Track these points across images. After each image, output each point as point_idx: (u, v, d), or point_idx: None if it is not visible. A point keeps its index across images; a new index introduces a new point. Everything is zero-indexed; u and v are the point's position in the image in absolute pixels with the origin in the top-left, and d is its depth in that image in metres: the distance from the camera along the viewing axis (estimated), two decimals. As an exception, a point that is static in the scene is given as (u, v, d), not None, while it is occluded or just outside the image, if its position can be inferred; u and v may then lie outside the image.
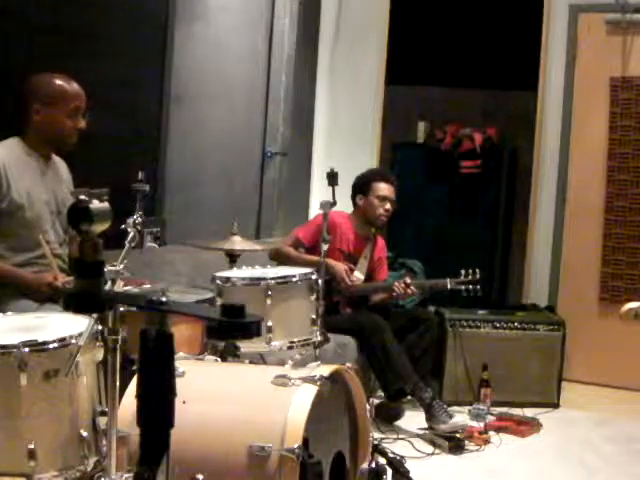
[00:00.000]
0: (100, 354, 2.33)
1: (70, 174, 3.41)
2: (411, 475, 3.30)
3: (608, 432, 4.42)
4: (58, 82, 3.18)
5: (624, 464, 3.98)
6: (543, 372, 4.81)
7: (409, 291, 4.39)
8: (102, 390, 2.36)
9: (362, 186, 4.60)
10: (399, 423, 4.33)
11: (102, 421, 2.29)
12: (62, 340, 2.22)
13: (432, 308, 5.02)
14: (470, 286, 4.36)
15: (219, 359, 2.96)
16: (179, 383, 1.84)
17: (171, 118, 4.73)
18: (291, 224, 5.44)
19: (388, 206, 4.55)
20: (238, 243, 3.70)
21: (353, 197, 4.63)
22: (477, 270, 4.37)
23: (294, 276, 3.35)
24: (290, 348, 3.29)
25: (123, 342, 2.10)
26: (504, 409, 4.61)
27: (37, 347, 2.18)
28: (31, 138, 3.20)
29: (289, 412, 2.37)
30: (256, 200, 5.51)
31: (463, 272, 4.38)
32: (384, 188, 4.55)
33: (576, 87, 5.39)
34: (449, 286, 4.40)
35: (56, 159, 3.34)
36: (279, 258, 4.36)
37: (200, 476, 2.23)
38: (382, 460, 3.12)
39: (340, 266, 4.42)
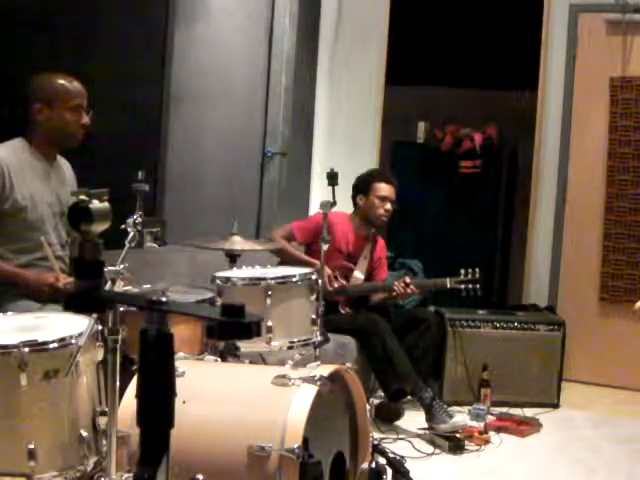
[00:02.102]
0: (100, 354, 2.33)
1: (74, 175, 3.41)
2: (411, 475, 3.29)
3: (608, 432, 4.42)
4: (59, 81, 3.19)
5: (624, 464, 3.98)
6: (543, 372, 4.81)
7: (409, 291, 4.39)
8: (102, 390, 2.36)
9: (363, 186, 4.60)
10: (399, 423, 4.33)
11: (102, 421, 2.29)
12: (62, 340, 2.22)
13: (432, 308, 5.02)
14: (470, 285, 4.36)
15: (219, 359, 2.96)
16: (179, 383, 1.84)
17: (171, 118, 4.73)
18: (291, 224, 5.44)
19: (389, 206, 4.55)
20: (238, 243, 3.70)
21: (354, 197, 4.63)
22: (476, 269, 4.37)
23: (294, 276, 3.35)
24: (290, 348, 3.28)
25: (123, 342, 2.10)
26: (504, 409, 4.61)
27: (37, 347, 2.18)
28: (35, 139, 3.20)
29: (289, 412, 2.37)
30: (256, 200, 5.51)
31: (463, 271, 4.38)
32: (385, 188, 4.55)
33: (576, 87, 5.39)
34: (449, 285, 4.40)
35: (60, 160, 3.35)
36: (274, 247, 4.32)
37: (200, 476, 2.23)
38: (382, 460, 3.12)
39: (325, 271, 4.39)
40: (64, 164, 3.37)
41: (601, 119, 5.32)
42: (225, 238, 3.71)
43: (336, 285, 4.44)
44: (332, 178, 3.69)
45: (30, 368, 2.16)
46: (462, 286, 4.38)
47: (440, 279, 4.47)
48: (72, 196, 2.11)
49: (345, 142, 5.71)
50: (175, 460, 1.87)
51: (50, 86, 3.18)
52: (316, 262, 4.32)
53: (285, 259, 4.41)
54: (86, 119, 3.22)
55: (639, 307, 3.61)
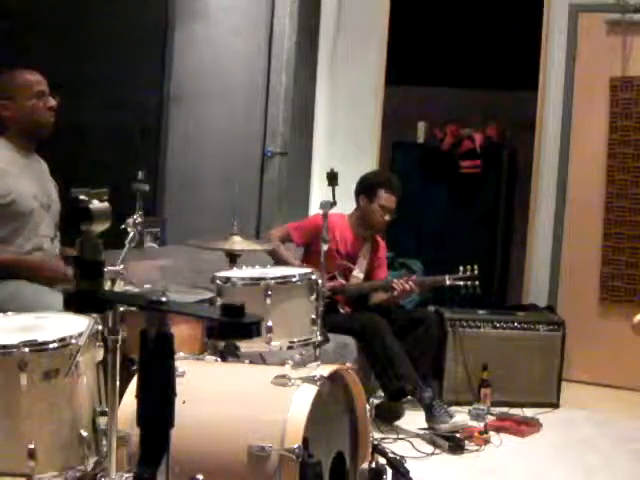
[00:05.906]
0: (100, 354, 2.33)
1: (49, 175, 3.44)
2: (411, 475, 3.30)
3: (608, 432, 4.42)
4: (18, 74, 3.24)
5: (624, 464, 3.98)
6: (543, 372, 4.80)
7: (407, 287, 4.37)
8: (102, 390, 2.36)
9: (368, 189, 4.56)
10: (399, 423, 4.33)
11: (102, 421, 2.29)
12: (62, 340, 2.22)
13: (432, 308, 5.01)
14: (469, 282, 4.35)
15: (219, 359, 2.96)
16: (179, 383, 1.84)
17: (171, 118, 4.73)
18: (291, 224, 5.43)
19: (388, 217, 4.53)
20: (238, 243, 3.70)
21: (357, 195, 4.61)
22: (475, 266, 4.36)
23: (294, 276, 3.35)
24: (290, 348, 3.28)
25: (123, 342, 2.10)
26: (504, 409, 4.60)
27: (37, 347, 2.18)
28: (10, 134, 3.24)
29: (289, 412, 2.37)
30: (256, 200, 5.51)
31: (461, 268, 4.37)
32: (388, 199, 4.51)
33: (576, 87, 5.38)
34: (447, 282, 4.38)
35: (37, 157, 3.37)
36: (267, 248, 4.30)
37: (200, 476, 2.23)
38: (382, 460, 3.12)
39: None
40: (41, 161, 3.39)
41: (601, 119, 5.32)
42: (225, 238, 3.71)
43: (351, 279, 4.47)
44: (332, 178, 3.69)
45: (30, 368, 2.16)
46: (461, 283, 4.36)
47: (439, 276, 4.46)
48: (72, 196, 2.11)
49: (345, 142, 5.71)
50: (175, 460, 1.87)
51: (10, 81, 3.23)
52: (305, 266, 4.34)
53: (276, 260, 4.39)
54: (52, 102, 3.24)
55: (639, 321, 3.51)
